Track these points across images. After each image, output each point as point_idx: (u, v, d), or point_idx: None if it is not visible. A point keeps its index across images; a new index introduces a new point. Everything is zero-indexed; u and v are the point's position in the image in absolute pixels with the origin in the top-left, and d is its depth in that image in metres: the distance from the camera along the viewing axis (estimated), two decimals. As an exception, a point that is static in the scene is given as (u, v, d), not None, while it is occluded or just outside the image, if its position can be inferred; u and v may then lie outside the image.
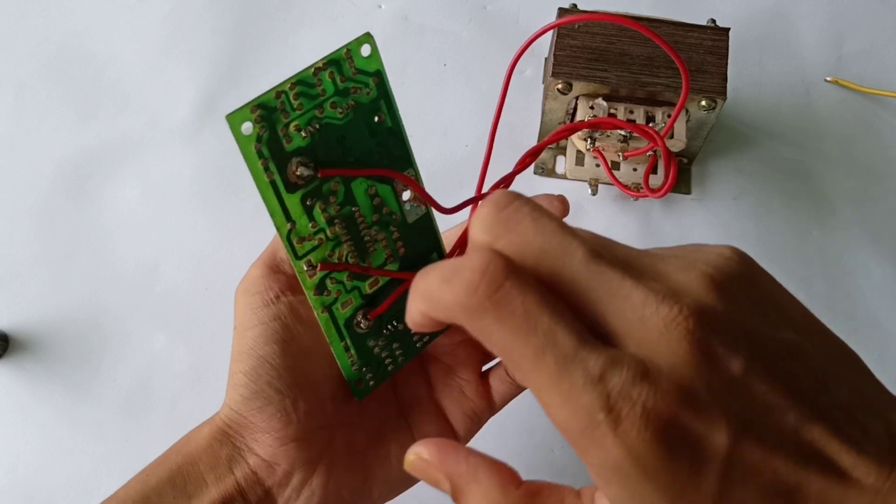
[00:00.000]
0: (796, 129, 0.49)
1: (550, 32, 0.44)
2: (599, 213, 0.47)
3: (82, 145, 0.49)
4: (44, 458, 0.42)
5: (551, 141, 0.35)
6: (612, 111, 0.41)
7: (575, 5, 0.43)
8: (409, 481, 0.32)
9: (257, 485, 0.29)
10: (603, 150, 0.41)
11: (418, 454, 0.22)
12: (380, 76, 0.26)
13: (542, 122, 0.45)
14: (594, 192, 0.44)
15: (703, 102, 0.40)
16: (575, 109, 0.42)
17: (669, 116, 0.41)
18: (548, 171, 0.47)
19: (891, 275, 0.45)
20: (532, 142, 0.47)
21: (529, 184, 0.47)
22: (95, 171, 0.48)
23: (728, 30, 0.42)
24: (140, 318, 0.45)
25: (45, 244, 0.47)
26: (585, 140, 0.41)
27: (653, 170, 0.42)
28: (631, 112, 0.41)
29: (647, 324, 0.18)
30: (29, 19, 0.52)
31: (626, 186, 0.43)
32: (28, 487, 0.42)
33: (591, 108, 0.41)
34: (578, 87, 0.41)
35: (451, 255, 0.30)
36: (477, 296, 0.18)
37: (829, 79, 0.50)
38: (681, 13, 0.43)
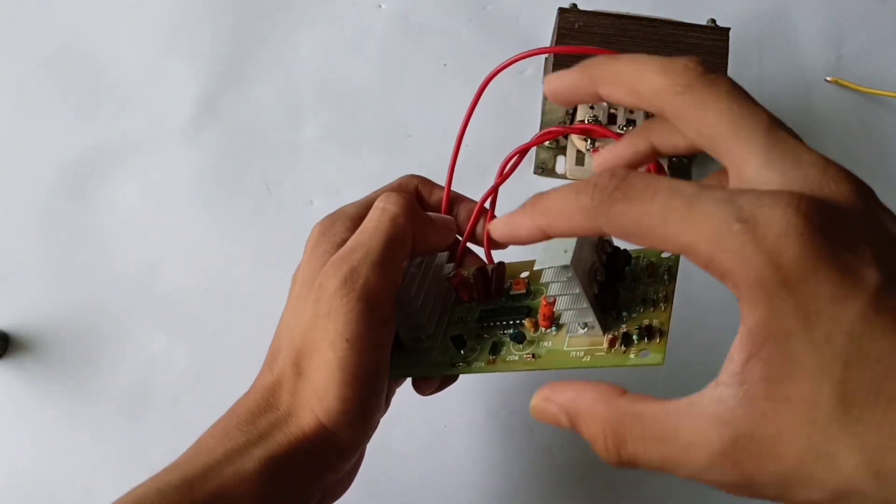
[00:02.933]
0: (796, 129, 0.48)
1: (551, 31, 0.44)
2: (599, 213, 0.47)
3: (82, 145, 0.49)
4: (44, 458, 0.42)
5: (539, 142, 0.35)
6: (613, 111, 0.41)
7: (575, 5, 0.43)
8: None
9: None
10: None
11: (539, 397, 0.24)
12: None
13: (542, 122, 0.45)
14: None
15: None
16: (575, 109, 0.42)
17: None
18: (548, 171, 0.47)
19: (891, 275, 0.45)
20: (532, 142, 0.47)
21: (530, 184, 0.47)
22: (95, 171, 0.48)
23: (728, 30, 0.42)
24: (140, 318, 0.45)
25: (45, 244, 0.47)
26: (585, 140, 0.41)
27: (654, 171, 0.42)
28: (631, 112, 0.41)
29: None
30: (29, 19, 0.52)
31: None
32: (28, 487, 0.42)
33: (591, 108, 0.41)
34: (578, 87, 0.41)
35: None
36: (606, 191, 0.21)
37: (829, 79, 0.50)
38: (681, 13, 0.43)
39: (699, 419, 0.21)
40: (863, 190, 0.20)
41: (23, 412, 0.43)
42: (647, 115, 0.41)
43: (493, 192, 0.33)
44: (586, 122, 0.40)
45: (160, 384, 0.43)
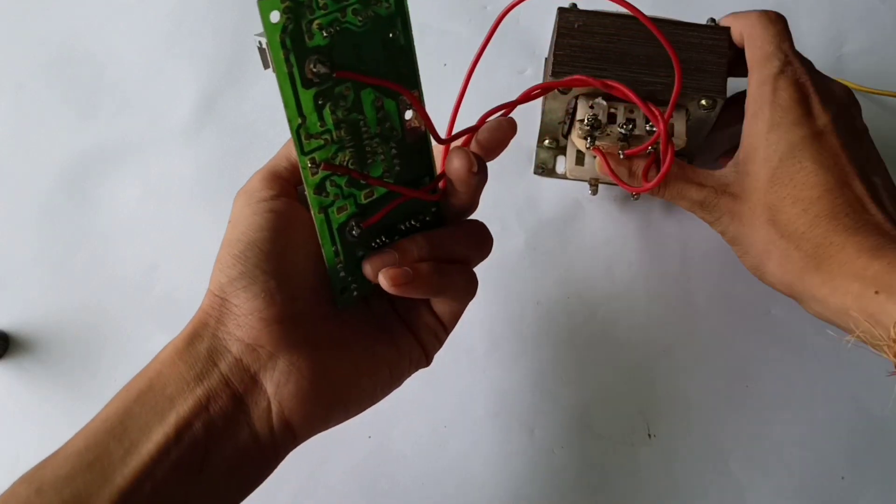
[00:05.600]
0: (796, 129, 0.49)
1: (550, 33, 0.44)
2: (599, 213, 0.47)
3: (82, 145, 0.49)
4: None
5: (557, 85, 0.35)
6: (612, 110, 0.41)
7: (575, 5, 0.43)
8: (396, 381, 0.33)
9: (243, 372, 0.29)
10: (603, 148, 0.41)
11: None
12: None
13: (542, 121, 0.45)
14: (594, 192, 0.44)
15: (704, 102, 0.40)
16: (575, 109, 0.42)
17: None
18: (548, 171, 0.47)
19: (891, 275, 0.45)
20: (532, 141, 0.47)
21: (529, 182, 0.47)
22: (95, 171, 0.48)
23: (728, 29, 0.42)
24: (140, 317, 0.45)
25: (46, 244, 0.47)
26: (585, 139, 0.41)
27: (652, 165, 0.42)
28: (631, 111, 0.41)
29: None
30: (29, 19, 0.52)
31: (626, 183, 0.42)
32: (28, 487, 0.42)
33: (591, 107, 0.41)
34: (578, 86, 0.41)
35: (442, 174, 0.31)
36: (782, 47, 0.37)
37: (829, 78, 0.50)
38: (681, 13, 0.43)
39: (711, 176, 0.38)
40: (850, 94, 0.38)
41: (23, 412, 0.43)
42: (647, 119, 0.41)
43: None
44: (586, 120, 0.40)
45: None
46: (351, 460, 0.42)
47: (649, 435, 0.42)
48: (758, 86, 0.37)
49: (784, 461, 0.42)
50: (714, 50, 0.41)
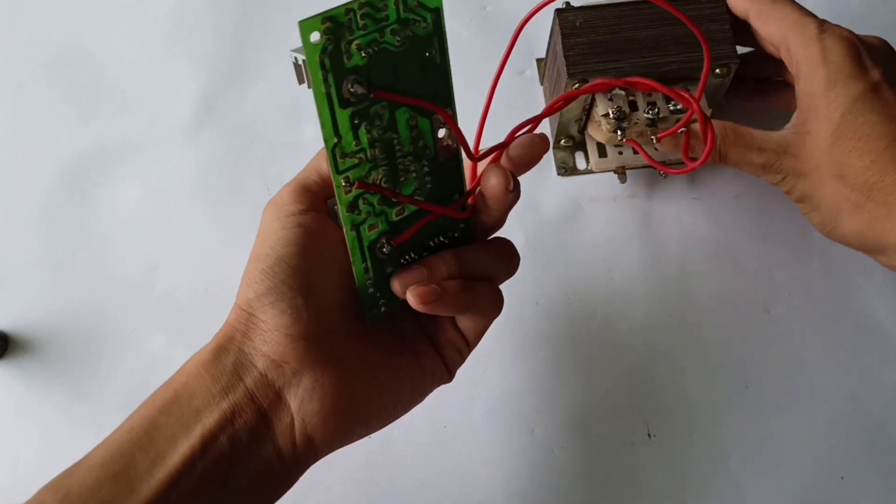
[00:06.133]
0: (796, 129, 0.49)
1: (548, 35, 0.44)
2: (599, 213, 0.47)
3: (82, 146, 0.49)
4: (44, 458, 0.42)
5: (580, 93, 0.34)
6: (631, 98, 0.41)
7: (568, 3, 0.42)
8: (418, 396, 0.33)
9: (268, 388, 0.29)
10: (635, 137, 0.41)
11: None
12: (438, 14, 0.27)
13: (559, 122, 0.44)
14: (623, 180, 0.44)
15: (718, 70, 0.41)
16: (591, 104, 0.42)
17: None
18: (570, 170, 0.47)
19: (891, 275, 0.45)
20: (532, 142, 0.47)
21: (529, 183, 0.47)
22: (95, 171, 0.48)
23: None
24: (140, 318, 0.45)
25: (46, 244, 0.47)
26: (615, 132, 0.40)
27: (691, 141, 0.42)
28: (649, 95, 0.41)
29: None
30: (29, 19, 0.52)
31: (660, 163, 0.42)
32: (28, 487, 0.42)
33: (611, 99, 0.41)
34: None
35: (471, 191, 0.31)
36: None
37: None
38: None
39: (769, 138, 0.38)
40: (888, 45, 0.39)
41: (22, 412, 0.43)
42: (667, 98, 0.41)
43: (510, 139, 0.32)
44: (611, 114, 0.40)
45: (160, 384, 0.43)
46: (351, 461, 0.42)
47: (649, 435, 0.42)
48: (804, 48, 0.38)
49: (784, 461, 0.42)
50: (715, 18, 0.41)
